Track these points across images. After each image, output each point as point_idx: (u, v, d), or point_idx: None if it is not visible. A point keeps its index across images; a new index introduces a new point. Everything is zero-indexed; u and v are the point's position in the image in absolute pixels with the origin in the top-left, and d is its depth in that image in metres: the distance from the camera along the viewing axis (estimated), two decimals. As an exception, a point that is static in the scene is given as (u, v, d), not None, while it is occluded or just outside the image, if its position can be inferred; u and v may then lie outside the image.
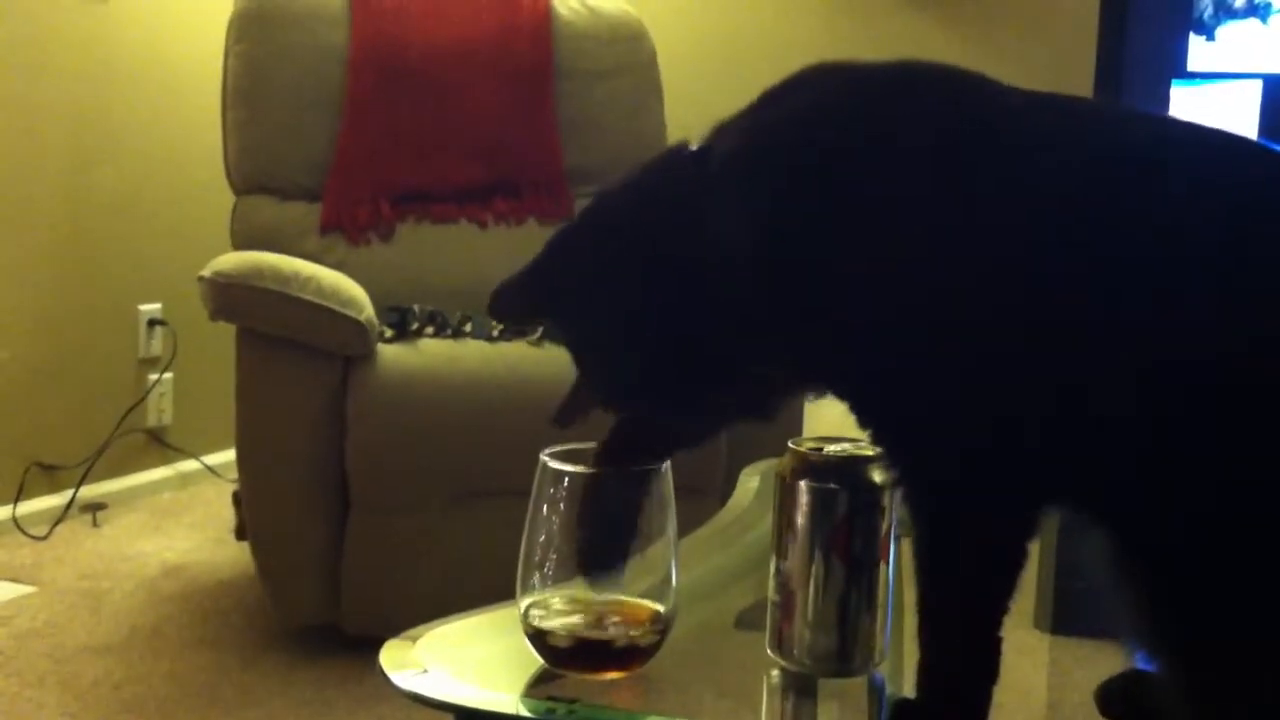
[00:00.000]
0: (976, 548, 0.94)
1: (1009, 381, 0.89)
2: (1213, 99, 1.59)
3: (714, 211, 0.95)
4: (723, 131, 1.00)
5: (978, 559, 0.94)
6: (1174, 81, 1.62)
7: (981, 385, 0.90)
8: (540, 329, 2.58)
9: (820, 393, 1.01)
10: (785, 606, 1.10)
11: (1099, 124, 0.96)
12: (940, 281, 0.90)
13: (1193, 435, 0.86)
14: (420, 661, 1.12)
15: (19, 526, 3.13)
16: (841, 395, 0.97)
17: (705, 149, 1.00)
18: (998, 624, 0.95)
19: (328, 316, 2.43)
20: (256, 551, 2.56)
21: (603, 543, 1.08)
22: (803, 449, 1.09)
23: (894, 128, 0.93)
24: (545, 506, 1.09)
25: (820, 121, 0.95)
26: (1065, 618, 1.25)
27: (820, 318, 0.93)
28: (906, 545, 1.12)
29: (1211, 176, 0.91)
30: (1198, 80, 1.61)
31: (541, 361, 2.47)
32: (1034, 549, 0.95)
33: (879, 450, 1.02)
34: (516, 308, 1.09)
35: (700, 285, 0.96)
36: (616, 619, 1.10)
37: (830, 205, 0.92)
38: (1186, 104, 1.59)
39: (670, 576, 1.10)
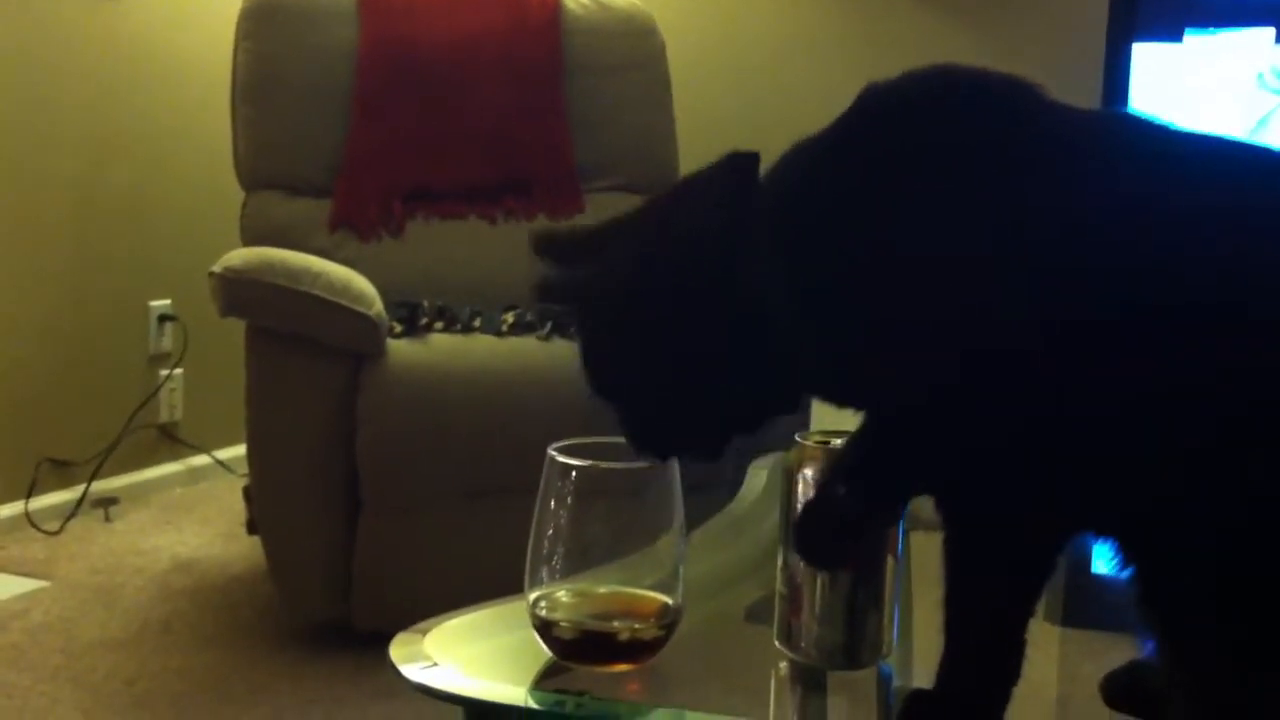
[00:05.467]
0: (1010, 558, 0.95)
1: (1047, 421, 0.86)
2: (1224, 47, 1.57)
3: (754, 257, 0.91)
4: (781, 168, 0.94)
5: (1010, 567, 0.95)
6: (1188, 29, 1.60)
7: (1021, 424, 0.87)
8: (549, 325, 2.58)
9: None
10: (793, 599, 1.10)
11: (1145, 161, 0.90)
12: (980, 325, 0.86)
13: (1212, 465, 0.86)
14: (430, 654, 1.12)
15: (31, 522, 3.14)
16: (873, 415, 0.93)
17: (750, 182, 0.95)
18: (1024, 626, 0.96)
19: (338, 312, 2.43)
20: (267, 546, 2.56)
21: None
22: (810, 442, 1.10)
23: (939, 179, 0.88)
24: (553, 500, 1.09)
25: (870, 165, 0.90)
26: (1076, 611, 1.25)
27: (861, 358, 0.89)
28: (914, 538, 1.13)
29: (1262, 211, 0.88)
30: (1211, 29, 1.59)
31: (550, 356, 2.48)
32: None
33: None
34: (559, 293, 1.03)
35: (737, 325, 0.93)
36: (625, 612, 1.10)
37: (870, 251, 0.88)
38: (1198, 51, 1.58)
39: (678, 570, 1.10)
